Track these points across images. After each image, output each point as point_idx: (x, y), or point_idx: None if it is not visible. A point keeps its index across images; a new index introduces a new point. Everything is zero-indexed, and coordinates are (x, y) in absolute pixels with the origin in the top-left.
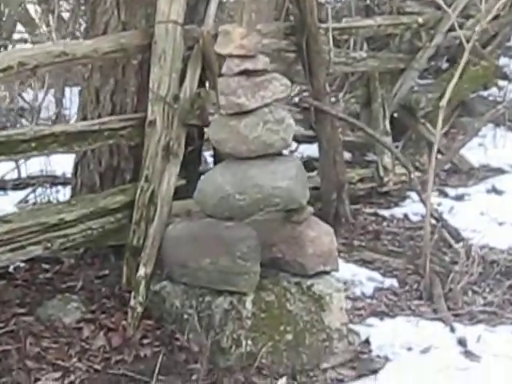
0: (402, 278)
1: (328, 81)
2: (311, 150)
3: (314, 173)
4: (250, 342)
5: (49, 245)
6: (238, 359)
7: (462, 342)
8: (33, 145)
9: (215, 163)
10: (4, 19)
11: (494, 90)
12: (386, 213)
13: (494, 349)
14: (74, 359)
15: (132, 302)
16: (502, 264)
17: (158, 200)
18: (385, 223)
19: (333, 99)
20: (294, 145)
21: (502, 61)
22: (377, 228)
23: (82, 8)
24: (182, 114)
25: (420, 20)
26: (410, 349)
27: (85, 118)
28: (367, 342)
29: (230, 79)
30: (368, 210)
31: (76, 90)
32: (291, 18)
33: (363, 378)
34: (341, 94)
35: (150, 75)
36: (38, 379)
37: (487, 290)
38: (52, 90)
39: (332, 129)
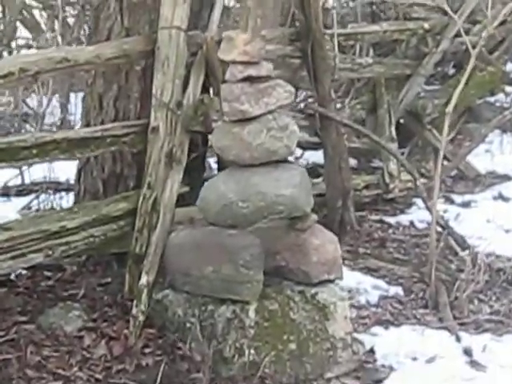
0: (407, 287)
1: (334, 87)
2: (316, 156)
3: (320, 179)
4: (252, 351)
5: (50, 252)
6: (241, 369)
7: (467, 352)
8: (34, 151)
9: (219, 170)
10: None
11: (500, 95)
12: (391, 220)
13: (500, 359)
14: (75, 368)
15: (134, 311)
16: (509, 272)
17: (160, 207)
18: (390, 230)
19: (339, 105)
20: (299, 151)
21: (509, 66)
22: (382, 235)
23: (87, 13)
24: (186, 120)
25: (426, 26)
26: (415, 358)
27: (88, 125)
28: (372, 351)
29: (234, 86)
30: (373, 217)
31: (81, 95)
32: (297, 23)
33: None
34: (347, 100)
35: (153, 81)
36: None
37: (493, 298)
38: (57, 96)
39: (337, 135)
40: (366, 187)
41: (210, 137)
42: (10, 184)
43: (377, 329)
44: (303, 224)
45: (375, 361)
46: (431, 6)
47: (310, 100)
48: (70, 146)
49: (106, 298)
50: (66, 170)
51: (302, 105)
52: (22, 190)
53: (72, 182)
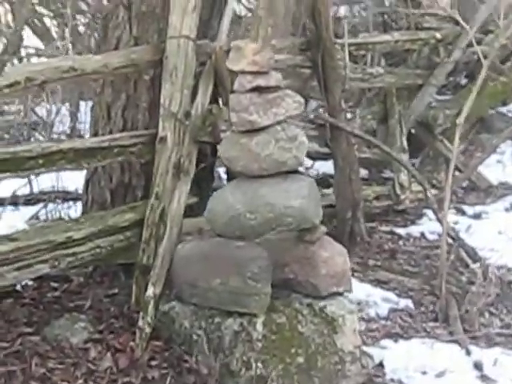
0: (417, 299)
1: (344, 97)
2: (327, 166)
3: (330, 190)
4: (260, 364)
5: (56, 263)
6: (248, 382)
7: (478, 366)
8: (40, 161)
9: (228, 180)
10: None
11: None
12: (402, 231)
13: (510, 373)
14: (80, 381)
15: (140, 323)
16: None
17: (167, 218)
18: (401, 242)
19: (349, 115)
20: (309, 162)
21: None
22: (392, 247)
23: (98, 22)
24: (194, 130)
25: (438, 35)
26: (424, 372)
27: (96, 134)
28: (381, 365)
29: (242, 96)
30: (384, 228)
31: (91, 103)
32: (308, 33)
33: None
34: (357, 110)
35: (161, 91)
36: None
37: (504, 311)
38: (67, 104)
39: (347, 146)
40: (377, 198)
41: (218, 147)
42: (19, 193)
43: (386, 342)
44: (312, 236)
45: (384, 375)
46: (443, 15)
47: (320, 110)
48: (77, 155)
49: (112, 309)
50: (74, 179)
51: (313, 114)
52: (30, 199)
53: (80, 191)
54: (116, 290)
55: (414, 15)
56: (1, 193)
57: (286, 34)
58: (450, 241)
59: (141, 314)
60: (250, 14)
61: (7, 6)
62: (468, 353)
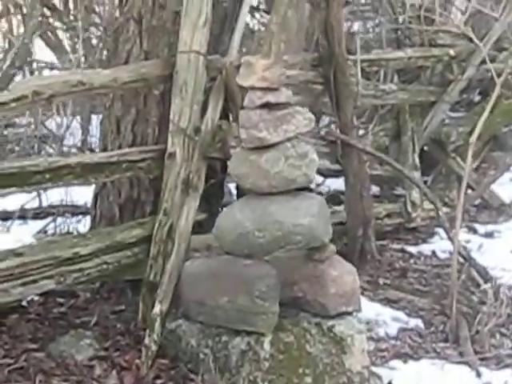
0: (427, 319)
1: (357, 113)
2: (338, 183)
3: (341, 207)
4: None
5: (62, 279)
6: None
7: None
8: (47, 176)
9: (238, 196)
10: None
11: None
12: (413, 249)
13: None
14: None
15: (146, 340)
16: None
17: (176, 235)
18: (412, 260)
19: (362, 131)
20: (320, 179)
21: None
22: (403, 265)
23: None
24: (203, 146)
25: (452, 52)
26: None
27: (105, 148)
28: None
29: (252, 112)
30: (395, 246)
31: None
32: (321, 48)
33: None
34: (370, 127)
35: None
36: None
37: None
38: (78, 117)
39: (359, 163)
40: (388, 216)
41: (228, 163)
42: (27, 207)
43: (395, 362)
44: (321, 255)
45: None
46: (457, 32)
47: (332, 126)
48: (85, 170)
49: (118, 326)
50: (83, 193)
51: (324, 130)
52: (39, 213)
53: (89, 205)
54: (123, 307)
55: (428, 31)
56: (9, 206)
57: (298, 50)
58: (462, 260)
59: (147, 331)
60: (263, 29)
61: (20, 18)
62: (478, 375)
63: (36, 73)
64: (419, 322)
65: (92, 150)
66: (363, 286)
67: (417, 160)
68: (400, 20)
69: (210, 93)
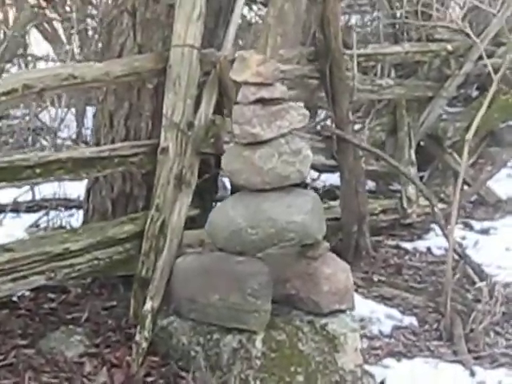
0: (421, 317)
1: (353, 107)
2: (334, 178)
3: (336, 202)
4: (258, 382)
5: (52, 275)
6: None
7: None
8: (37, 171)
9: (232, 191)
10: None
11: None
12: (408, 245)
13: None
14: None
15: (137, 337)
16: None
17: (168, 231)
18: (407, 257)
19: (359, 126)
20: (316, 174)
21: None
22: (398, 262)
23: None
24: (196, 141)
25: (449, 48)
26: None
27: (98, 142)
28: None
29: (245, 108)
30: (390, 243)
31: None
32: (317, 42)
33: None
34: (367, 121)
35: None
36: None
37: (510, 330)
38: (73, 109)
39: (354, 158)
40: (384, 211)
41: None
42: (20, 200)
43: (389, 361)
44: (315, 252)
45: None
46: (454, 28)
47: (327, 121)
48: (76, 165)
49: (109, 322)
50: (76, 186)
51: (321, 124)
52: (32, 207)
53: (82, 199)
54: (114, 303)
55: (425, 27)
56: (2, 199)
57: (295, 43)
58: (457, 257)
59: (138, 328)
60: (260, 21)
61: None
62: (472, 374)
63: (31, 65)
64: (413, 320)
65: (86, 143)
66: (357, 283)
67: (413, 155)
68: (398, 15)
69: (203, 87)
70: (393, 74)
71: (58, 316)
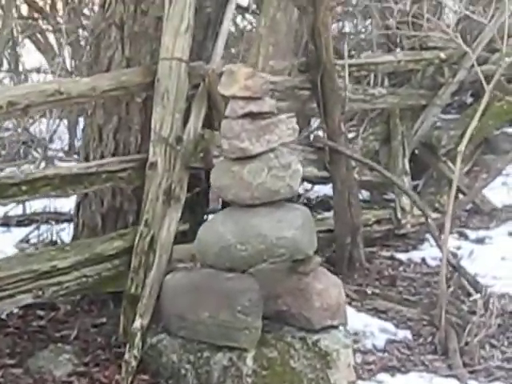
0: (416, 330)
1: (346, 116)
2: (327, 189)
3: (329, 213)
4: None
5: (40, 293)
6: None
7: None
8: (23, 188)
9: (223, 206)
10: None
11: None
12: (402, 256)
13: None
14: None
15: (126, 356)
16: None
17: (157, 246)
18: (401, 268)
19: (352, 134)
20: (309, 185)
21: None
22: (393, 273)
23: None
24: (185, 156)
25: (442, 55)
26: None
27: (87, 157)
28: None
29: (234, 122)
30: (384, 254)
31: None
32: (309, 53)
33: None
34: (360, 130)
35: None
36: None
37: (506, 343)
38: (65, 121)
39: (347, 170)
40: (378, 222)
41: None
42: (11, 214)
43: (383, 376)
44: (306, 267)
45: None
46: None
47: (320, 132)
48: (63, 182)
49: (99, 340)
50: (67, 199)
51: (314, 133)
52: (22, 221)
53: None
54: (104, 319)
55: (417, 37)
56: None
57: (287, 52)
58: (451, 269)
59: (127, 346)
60: (253, 29)
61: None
62: None
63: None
64: (407, 334)
65: (79, 154)
66: (351, 296)
67: (407, 165)
68: (389, 25)
69: (192, 100)
70: (386, 82)
71: (46, 334)
